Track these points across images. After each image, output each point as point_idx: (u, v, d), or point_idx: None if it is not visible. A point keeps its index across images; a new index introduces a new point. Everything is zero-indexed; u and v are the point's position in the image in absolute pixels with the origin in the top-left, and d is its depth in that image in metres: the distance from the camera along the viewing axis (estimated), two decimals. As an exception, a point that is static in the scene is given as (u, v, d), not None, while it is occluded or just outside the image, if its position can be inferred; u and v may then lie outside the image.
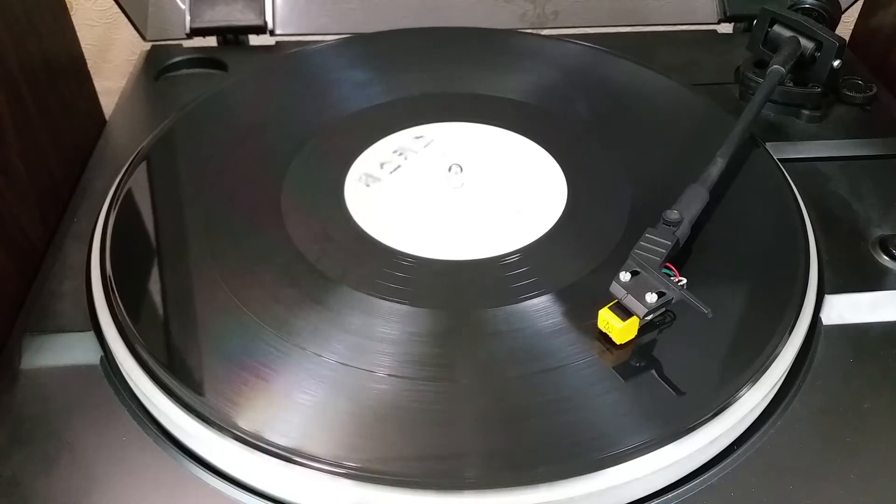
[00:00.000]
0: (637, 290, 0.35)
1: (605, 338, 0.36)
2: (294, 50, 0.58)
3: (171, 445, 0.34)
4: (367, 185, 0.44)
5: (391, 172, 0.45)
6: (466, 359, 0.36)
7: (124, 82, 0.59)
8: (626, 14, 0.65)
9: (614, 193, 0.45)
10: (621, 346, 0.36)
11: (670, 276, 0.36)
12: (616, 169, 0.46)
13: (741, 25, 0.65)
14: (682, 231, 0.39)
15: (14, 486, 0.33)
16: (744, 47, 0.56)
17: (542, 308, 0.38)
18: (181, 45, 0.62)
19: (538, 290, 0.38)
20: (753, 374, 0.35)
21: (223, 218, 0.43)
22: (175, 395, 0.34)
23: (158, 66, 0.59)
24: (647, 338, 0.36)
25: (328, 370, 0.35)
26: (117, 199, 0.43)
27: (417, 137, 0.48)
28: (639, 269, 0.36)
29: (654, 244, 0.37)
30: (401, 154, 0.47)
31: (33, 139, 0.46)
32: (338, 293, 0.38)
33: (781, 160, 0.48)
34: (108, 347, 0.37)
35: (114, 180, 0.46)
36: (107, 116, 0.57)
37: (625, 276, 0.36)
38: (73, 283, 0.42)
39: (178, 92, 0.57)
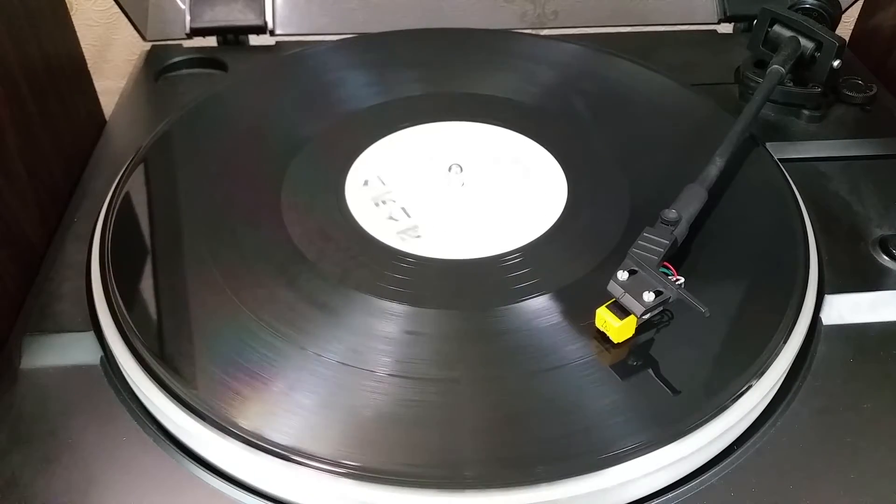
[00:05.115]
0: (634, 289, 0.35)
1: (604, 337, 0.36)
2: (294, 50, 0.58)
3: (171, 445, 0.34)
4: (419, 237, 0.42)
5: (409, 215, 0.43)
6: (466, 358, 0.36)
7: (124, 82, 0.59)
8: (626, 14, 0.65)
9: (614, 193, 0.45)
10: (619, 345, 0.36)
11: (668, 275, 0.36)
12: (616, 169, 0.46)
13: (741, 25, 0.65)
14: (680, 230, 0.39)
15: (14, 486, 0.33)
16: (744, 47, 0.56)
17: (541, 308, 0.38)
18: (181, 45, 0.62)
19: (538, 290, 0.38)
20: (753, 374, 0.35)
21: (223, 218, 0.43)
22: (175, 395, 0.34)
23: (158, 66, 0.59)
24: (645, 337, 0.36)
25: (328, 370, 0.35)
26: (117, 199, 0.43)
27: (365, 184, 0.45)
28: (636, 268, 0.36)
29: (652, 243, 0.37)
30: (383, 203, 0.44)
31: (33, 139, 0.46)
32: (338, 293, 0.38)
33: (781, 160, 0.48)
34: (108, 347, 0.37)
35: (114, 180, 0.46)
36: (107, 116, 0.57)
37: (622, 275, 0.36)
38: (73, 283, 0.42)
39: (178, 92, 0.57)
